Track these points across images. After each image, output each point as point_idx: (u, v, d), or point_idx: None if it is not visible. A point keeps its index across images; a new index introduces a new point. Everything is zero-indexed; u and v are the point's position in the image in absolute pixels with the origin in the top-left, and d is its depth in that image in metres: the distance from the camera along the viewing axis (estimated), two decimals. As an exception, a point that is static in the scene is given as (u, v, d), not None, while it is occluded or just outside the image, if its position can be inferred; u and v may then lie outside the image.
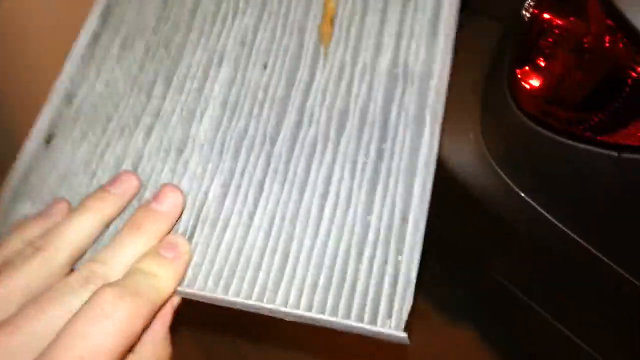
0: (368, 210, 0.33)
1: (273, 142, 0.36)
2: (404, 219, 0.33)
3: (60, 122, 0.38)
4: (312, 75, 0.38)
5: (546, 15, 0.59)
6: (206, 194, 0.34)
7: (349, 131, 0.36)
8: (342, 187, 0.34)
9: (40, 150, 0.37)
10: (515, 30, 0.63)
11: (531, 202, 0.64)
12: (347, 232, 0.33)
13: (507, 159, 0.64)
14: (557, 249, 0.65)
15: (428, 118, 0.35)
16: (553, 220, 0.63)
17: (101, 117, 0.38)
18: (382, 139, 0.36)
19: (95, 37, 0.41)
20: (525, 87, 0.59)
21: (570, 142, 0.56)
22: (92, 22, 0.42)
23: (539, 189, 0.63)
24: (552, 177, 0.63)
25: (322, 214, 0.34)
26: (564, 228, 0.62)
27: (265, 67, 0.39)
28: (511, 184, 0.64)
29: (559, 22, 0.58)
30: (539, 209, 0.63)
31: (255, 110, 0.38)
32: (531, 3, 0.60)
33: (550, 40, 0.58)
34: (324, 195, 0.34)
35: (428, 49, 0.38)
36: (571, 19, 0.58)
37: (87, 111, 0.39)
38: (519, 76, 0.59)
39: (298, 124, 0.37)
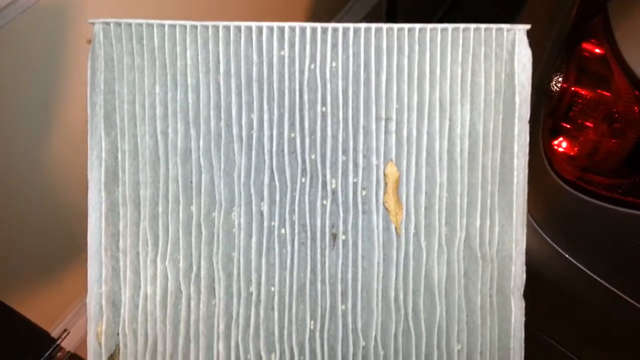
0: None
1: (367, 339, 0.36)
2: None
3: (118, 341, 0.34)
4: (389, 259, 0.35)
5: (574, 89, 0.63)
6: None
7: (439, 319, 0.36)
8: None
9: None
10: (544, 102, 0.68)
11: (575, 262, 0.66)
12: None
13: (549, 222, 0.66)
14: (604, 307, 0.66)
15: (512, 301, 0.37)
16: (597, 278, 0.64)
17: (162, 325, 0.33)
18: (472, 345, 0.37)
19: (112, 215, 0.34)
20: (561, 156, 0.62)
21: (608, 205, 0.59)
22: (96, 215, 0.34)
23: (582, 250, 0.65)
24: (593, 238, 0.65)
25: None
26: (608, 286, 0.64)
27: (337, 252, 0.35)
28: (555, 245, 0.66)
29: (588, 94, 0.62)
30: (583, 268, 0.65)
31: (340, 306, 0.35)
32: (559, 78, 0.65)
33: (581, 111, 0.62)
34: None
35: (503, 233, 0.37)
36: (598, 91, 0.62)
37: (143, 319, 0.33)
38: (555, 146, 0.63)
39: (387, 321, 0.36)
